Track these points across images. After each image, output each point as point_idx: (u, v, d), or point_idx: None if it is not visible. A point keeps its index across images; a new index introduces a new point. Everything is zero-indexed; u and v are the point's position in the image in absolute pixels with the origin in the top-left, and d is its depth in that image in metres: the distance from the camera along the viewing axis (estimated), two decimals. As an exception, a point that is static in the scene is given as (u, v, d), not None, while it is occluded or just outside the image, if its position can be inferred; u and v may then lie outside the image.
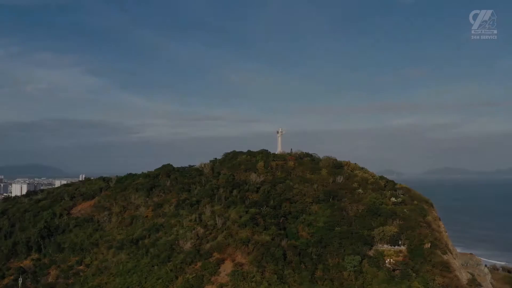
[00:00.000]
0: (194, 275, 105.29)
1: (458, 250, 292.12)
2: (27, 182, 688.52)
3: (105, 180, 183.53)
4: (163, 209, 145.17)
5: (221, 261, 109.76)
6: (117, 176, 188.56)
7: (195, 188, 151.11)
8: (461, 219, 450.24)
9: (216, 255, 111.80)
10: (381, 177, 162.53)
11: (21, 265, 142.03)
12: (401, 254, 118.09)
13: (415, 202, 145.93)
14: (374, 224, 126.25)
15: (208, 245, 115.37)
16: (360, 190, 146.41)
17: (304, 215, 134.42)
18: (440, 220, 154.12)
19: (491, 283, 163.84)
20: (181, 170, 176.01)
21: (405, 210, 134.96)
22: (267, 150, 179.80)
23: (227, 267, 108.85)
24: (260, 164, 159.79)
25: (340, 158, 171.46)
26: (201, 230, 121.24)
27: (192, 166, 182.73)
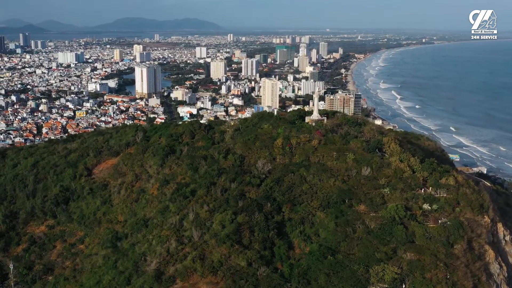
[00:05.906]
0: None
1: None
2: (147, 65, 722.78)
3: (138, 129, 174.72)
4: (168, 187, 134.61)
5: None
6: (150, 125, 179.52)
7: (203, 167, 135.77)
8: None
9: (178, 282, 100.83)
10: (425, 166, 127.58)
11: (37, 231, 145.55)
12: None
13: (458, 209, 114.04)
14: (378, 255, 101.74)
15: (172, 268, 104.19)
16: (386, 190, 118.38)
17: (305, 224, 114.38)
18: (497, 227, 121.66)
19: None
20: (208, 129, 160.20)
21: (429, 231, 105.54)
22: (301, 114, 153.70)
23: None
24: (278, 141, 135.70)
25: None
26: (173, 244, 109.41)
27: (224, 121, 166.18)
